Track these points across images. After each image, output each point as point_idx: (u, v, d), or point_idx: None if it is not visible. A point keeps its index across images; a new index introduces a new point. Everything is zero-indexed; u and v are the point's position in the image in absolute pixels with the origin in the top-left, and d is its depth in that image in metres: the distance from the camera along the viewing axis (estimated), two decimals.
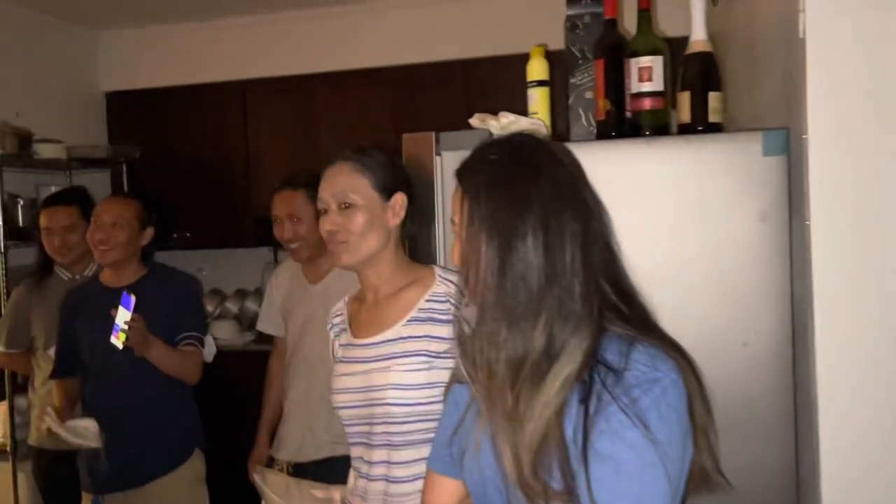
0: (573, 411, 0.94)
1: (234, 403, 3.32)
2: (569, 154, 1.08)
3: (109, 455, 2.27)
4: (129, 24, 4.11)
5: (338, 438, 1.64)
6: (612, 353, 0.96)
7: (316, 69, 3.95)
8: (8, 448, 2.97)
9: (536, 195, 0.98)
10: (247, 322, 4.11)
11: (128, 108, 4.23)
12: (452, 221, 1.08)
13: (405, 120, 3.67)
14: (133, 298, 2.14)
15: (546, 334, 0.96)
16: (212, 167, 4.11)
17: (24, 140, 3.35)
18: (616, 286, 1.01)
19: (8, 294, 2.97)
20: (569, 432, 0.94)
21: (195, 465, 2.44)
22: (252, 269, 4.20)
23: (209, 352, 2.51)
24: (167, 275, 2.51)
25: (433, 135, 1.68)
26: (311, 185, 2.38)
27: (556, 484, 0.92)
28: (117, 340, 2.14)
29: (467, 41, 3.76)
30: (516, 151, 1.04)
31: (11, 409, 2.94)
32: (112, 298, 2.20)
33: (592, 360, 0.95)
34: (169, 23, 4.10)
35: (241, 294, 4.27)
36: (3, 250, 3.19)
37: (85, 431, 2.24)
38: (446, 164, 1.58)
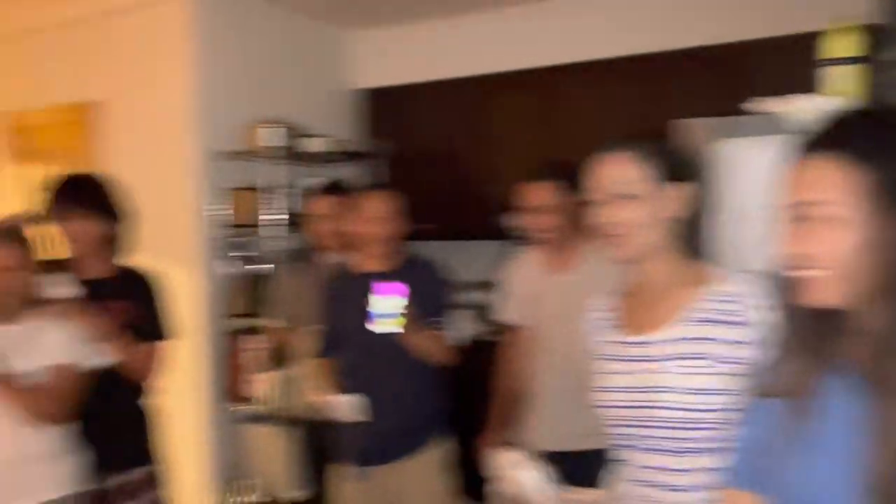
0: None
1: (468, 394, 3.39)
2: None
3: (371, 430, 2.42)
4: (382, 23, 4.32)
5: (591, 431, 1.59)
6: None
7: (557, 61, 3.91)
8: (278, 414, 3.29)
9: None
10: (480, 314, 4.18)
11: (381, 105, 4.43)
12: (801, 203, 0.93)
13: (652, 110, 3.50)
14: (407, 287, 2.28)
15: None
16: (453, 161, 4.21)
17: (294, 135, 3.68)
18: None
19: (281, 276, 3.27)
20: None
21: (443, 449, 2.55)
22: (486, 260, 4.27)
23: (458, 337, 2.60)
24: (419, 262, 2.63)
25: (709, 121, 1.57)
26: (560, 176, 2.37)
27: None
28: (383, 326, 2.28)
29: (726, 24, 3.49)
30: None
31: (281, 379, 3.24)
32: (373, 285, 2.34)
33: None
34: (417, 21, 4.26)
35: (477, 286, 4.35)
36: (284, 235, 3.57)
37: (350, 406, 2.40)
38: (728, 153, 1.47)
